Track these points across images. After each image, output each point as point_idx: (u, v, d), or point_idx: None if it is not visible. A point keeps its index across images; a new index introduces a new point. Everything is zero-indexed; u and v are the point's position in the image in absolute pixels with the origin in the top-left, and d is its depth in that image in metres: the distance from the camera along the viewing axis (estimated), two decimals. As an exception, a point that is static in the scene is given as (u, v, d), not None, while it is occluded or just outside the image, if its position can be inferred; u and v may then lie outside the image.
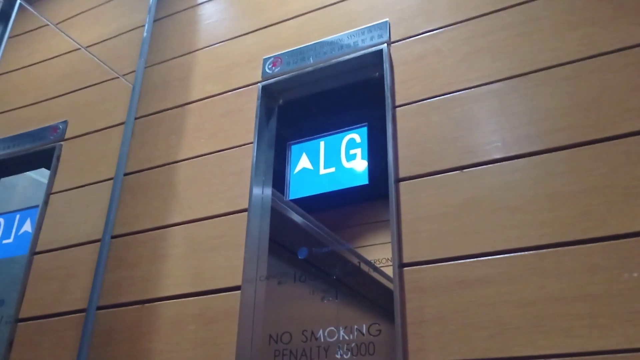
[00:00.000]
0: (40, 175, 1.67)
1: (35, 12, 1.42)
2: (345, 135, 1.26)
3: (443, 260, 1.03)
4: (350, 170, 1.22)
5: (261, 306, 1.16)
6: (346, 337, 1.05)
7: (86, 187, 1.53)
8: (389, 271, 1.06)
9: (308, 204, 1.25)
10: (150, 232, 1.37)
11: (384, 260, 1.09)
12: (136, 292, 1.30)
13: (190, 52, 1.60)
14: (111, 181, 1.48)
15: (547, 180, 1.00)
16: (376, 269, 1.09)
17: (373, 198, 1.19)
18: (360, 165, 1.22)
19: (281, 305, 1.15)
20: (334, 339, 1.06)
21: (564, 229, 0.96)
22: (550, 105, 1.06)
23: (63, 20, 1.80)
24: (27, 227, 1.59)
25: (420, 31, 1.27)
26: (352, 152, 1.24)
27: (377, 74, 1.28)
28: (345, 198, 1.22)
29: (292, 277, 1.16)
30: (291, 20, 1.47)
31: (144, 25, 1.67)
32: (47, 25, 1.55)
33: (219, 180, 1.35)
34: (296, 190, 1.27)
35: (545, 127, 1.04)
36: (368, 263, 1.11)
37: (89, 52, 1.59)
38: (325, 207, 1.25)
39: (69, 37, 1.57)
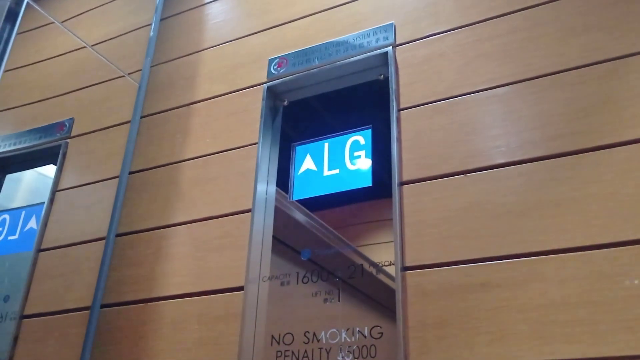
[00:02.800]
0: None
1: (42, 11, 1.43)
2: (350, 137, 1.27)
3: (446, 264, 1.03)
4: (354, 172, 1.23)
5: (264, 307, 1.17)
6: (348, 339, 1.06)
7: (92, 185, 1.54)
8: (391, 271, 1.06)
9: (312, 201, 1.25)
10: (154, 231, 1.37)
11: (386, 263, 1.09)
12: (140, 290, 1.31)
13: (196, 52, 1.61)
14: (116, 179, 1.49)
15: (551, 186, 1.00)
16: (379, 271, 1.10)
17: (378, 197, 1.19)
18: (364, 167, 1.22)
19: (284, 306, 1.16)
20: (336, 340, 1.07)
21: (566, 235, 0.96)
22: (554, 110, 1.06)
23: (70, 18, 1.80)
24: (33, 223, 1.60)
25: (426, 34, 1.27)
26: (356, 154, 1.24)
27: (382, 76, 1.28)
28: (349, 196, 1.22)
29: (295, 278, 1.16)
30: (297, 21, 1.47)
31: (150, 24, 1.68)
32: (54, 23, 1.55)
33: (224, 180, 1.35)
34: (300, 191, 1.27)
35: (549, 132, 1.04)
36: (372, 264, 1.11)
37: (94, 50, 1.60)
38: (330, 205, 1.25)
39: (75, 36, 1.58)
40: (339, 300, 1.10)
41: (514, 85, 1.13)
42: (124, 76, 1.62)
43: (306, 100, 1.39)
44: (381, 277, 1.09)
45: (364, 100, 1.31)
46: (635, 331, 0.85)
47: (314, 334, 1.09)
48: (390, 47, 1.28)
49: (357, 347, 1.05)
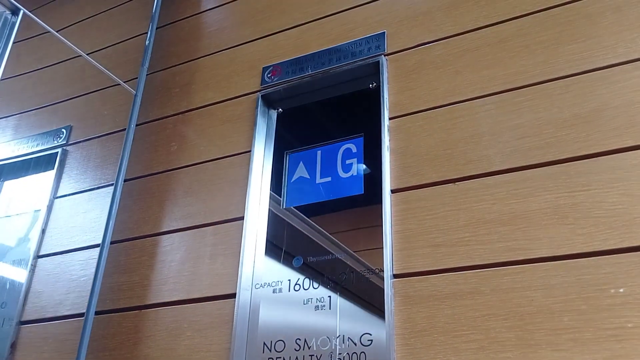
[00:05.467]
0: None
1: (38, 20, 1.44)
2: (342, 146, 1.28)
3: (434, 272, 1.04)
4: (346, 179, 1.24)
5: (256, 314, 1.18)
6: (338, 346, 1.07)
7: (88, 192, 1.55)
8: (381, 278, 1.07)
9: (305, 207, 1.27)
10: (148, 238, 1.39)
11: (376, 270, 1.10)
12: (134, 297, 1.32)
13: (191, 60, 1.62)
14: (112, 187, 1.50)
15: (538, 195, 1.01)
16: (369, 279, 1.10)
17: (369, 203, 1.20)
18: (355, 175, 1.23)
19: (275, 314, 1.16)
20: (327, 348, 1.08)
21: (553, 243, 0.97)
22: (542, 119, 1.07)
23: (67, 26, 1.82)
24: (31, 230, 1.61)
25: (417, 43, 1.28)
26: (348, 162, 1.25)
27: (374, 84, 1.29)
28: (342, 202, 1.23)
29: (286, 286, 1.17)
30: (290, 30, 1.48)
31: (146, 33, 1.69)
32: (50, 32, 1.57)
33: (217, 187, 1.37)
34: (293, 198, 1.29)
35: (537, 141, 1.05)
36: (362, 271, 1.12)
37: (90, 59, 1.61)
38: (322, 210, 1.26)
39: (71, 45, 1.59)
40: (329, 308, 1.11)
41: (503, 94, 1.13)
42: (120, 84, 1.64)
43: (299, 108, 1.40)
44: (371, 284, 1.10)
45: (356, 109, 1.32)
46: (620, 339, 0.86)
47: (305, 341, 1.10)
48: (382, 56, 1.29)
49: (348, 354, 1.06)
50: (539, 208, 1.00)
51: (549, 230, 0.98)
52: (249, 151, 1.36)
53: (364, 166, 1.23)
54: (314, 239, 1.23)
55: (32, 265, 1.51)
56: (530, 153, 1.05)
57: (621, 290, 0.89)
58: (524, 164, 1.05)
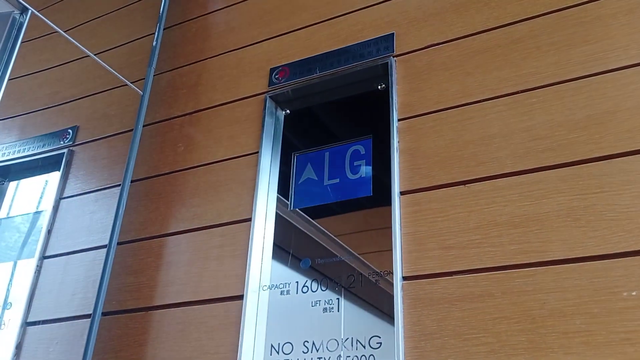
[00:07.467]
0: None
1: (46, 20, 1.44)
2: (350, 147, 1.27)
3: (444, 274, 1.03)
4: (354, 181, 1.23)
5: (263, 316, 1.17)
6: (347, 349, 1.06)
7: (94, 192, 1.55)
8: (390, 281, 1.07)
9: (312, 209, 1.26)
10: (155, 239, 1.38)
11: (385, 272, 1.09)
12: (141, 298, 1.32)
13: (199, 61, 1.62)
14: (119, 187, 1.50)
15: (550, 197, 1.00)
16: (378, 281, 1.10)
17: (378, 205, 1.19)
18: (364, 176, 1.22)
19: (283, 316, 1.16)
20: (335, 350, 1.07)
21: (566, 245, 0.96)
22: (554, 121, 1.06)
23: (74, 27, 1.81)
24: (37, 230, 1.61)
25: (427, 44, 1.28)
26: (356, 163, 1.25)
27: (383, 86, 1.28)
28: (350, 204, 1.22)
29: (294, 287, 1.17)
30: (299, 31, 1.48)
31: (154, 33, 1.69)
32: (58, 31, 1.57)
33: (225, 188, 1.36)
34: (300, 200, 1.28)
35: (549, 143, 1.05)
36: (371, 274, 1.11)
37: (97, 59, 1.61)
38: (330, 212, 1.25)
39: (79, 45, 1.59)
40: (338, 310, 1.11)
41: (515, 95, 1.13)
42: (127, 84, 1.63)
43: (307, 110, 1.40)
44: (380, 286, 1.09)
45: (364, 110, 1.31)
46: (633, 343, 0.85)
47: (313, 343, 1.09)
48: (391, 57, 1.29)
49: (356, 356, 1.05)
50: (551, 210, 0.99)
51: (562, 232, 0.97)
52: (257, 152, 1.35)
53: (372, 168, 1.22)
54: (322, 241, 1.22)
55: (37, 266, 1.50)
56: (542, 155, 1.04)
57: (634, 293, 0.88)
58: (536, 166, 1.04)
